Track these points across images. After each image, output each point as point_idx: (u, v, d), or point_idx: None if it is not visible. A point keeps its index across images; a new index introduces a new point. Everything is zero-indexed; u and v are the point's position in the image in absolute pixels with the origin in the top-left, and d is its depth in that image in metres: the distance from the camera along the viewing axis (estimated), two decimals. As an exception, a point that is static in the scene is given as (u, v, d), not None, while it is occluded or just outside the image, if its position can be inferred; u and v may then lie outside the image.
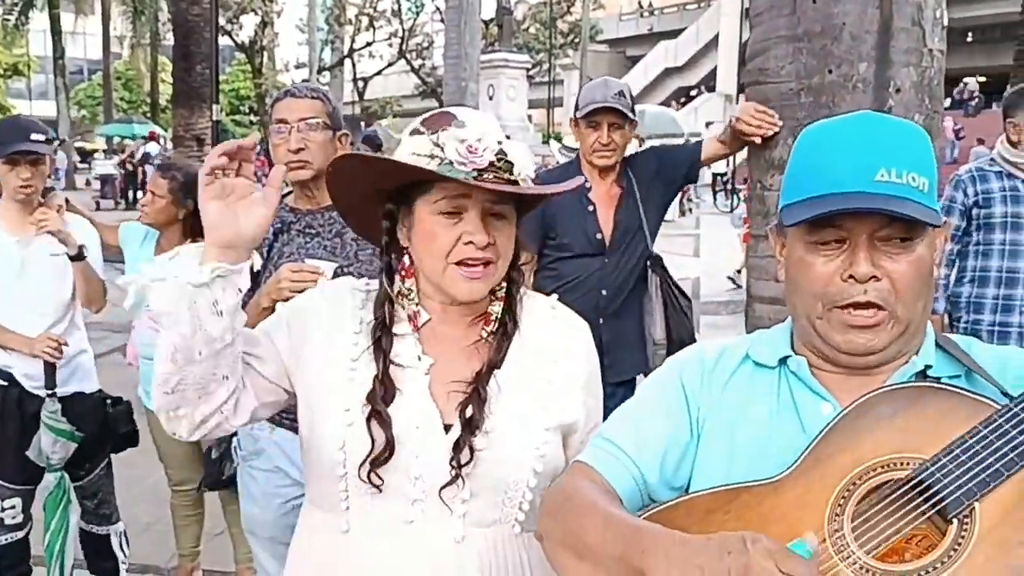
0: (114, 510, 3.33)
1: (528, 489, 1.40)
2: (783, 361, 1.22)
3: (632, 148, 3.31)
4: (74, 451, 3.04)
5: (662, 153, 3.33)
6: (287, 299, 2.29)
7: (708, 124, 35.64)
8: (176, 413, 1.36)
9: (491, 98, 19.09)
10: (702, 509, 1.11)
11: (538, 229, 3.01)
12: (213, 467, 3.20)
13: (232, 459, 3.10)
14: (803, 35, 2.40)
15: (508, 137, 1.43)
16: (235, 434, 3.17)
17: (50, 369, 2.93)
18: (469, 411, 1.38)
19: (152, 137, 15.69)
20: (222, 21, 13.61)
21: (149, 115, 30.00)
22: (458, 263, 1.38)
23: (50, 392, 2.95)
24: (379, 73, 31.69)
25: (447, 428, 1.39)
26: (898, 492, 1.01)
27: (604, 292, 3.04)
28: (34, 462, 3.02)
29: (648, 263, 3.12)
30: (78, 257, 2.99)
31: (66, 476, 3.05)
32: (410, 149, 1.39)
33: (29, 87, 43.71)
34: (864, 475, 1.03)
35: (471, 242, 1.37)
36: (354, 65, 29.71)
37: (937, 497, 0.98)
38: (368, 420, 1.38)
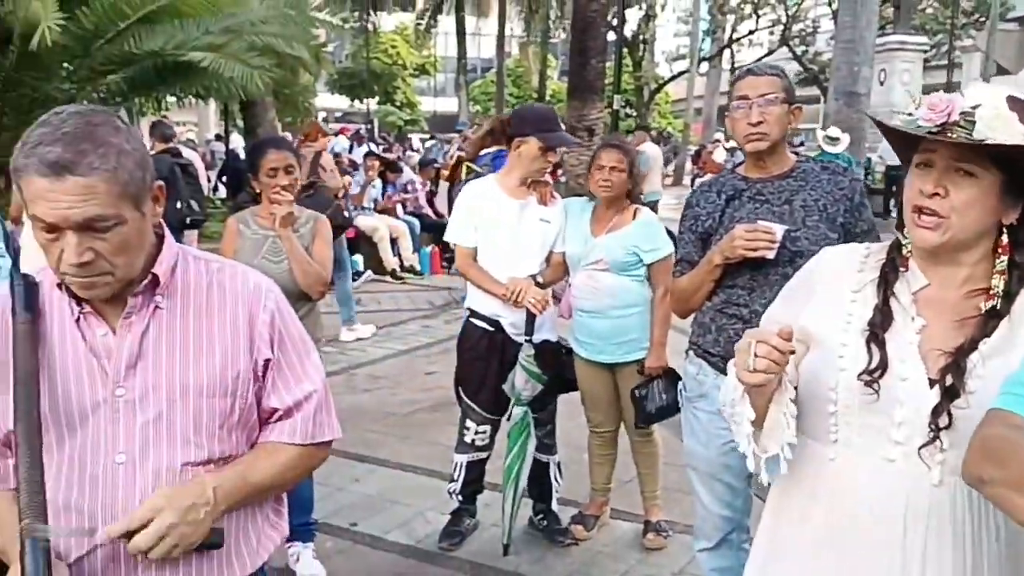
0: (554, 442, 3.83)
1: None
2: None
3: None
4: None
5: None
6: (738, 257, 2.53)
7: None
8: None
9: (882, 83, 17.93)
10: None
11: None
12: (639, 406, 3.61)
13: (657, 397, 3.49)
14: None
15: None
16: (659, 376, 3.53)
17: (531, 319, 3.47)
18: (949, 380, 1.50)
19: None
20: (610, 15, 14.17)
21: (536, 108, 32.18)
22: (915, 211, 1.53)
23: (528, 339, 3.48)
24: (758, 61, 30.90)
25: (931, 383, 1.52)
26: None
27: None
28: (504, 396, 3.58)
29: None
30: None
31: (529, 411, 3.58)
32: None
33: (433, 85, 49.10)
34: None
35: (921, 190, 1.51)
36: (732, 55, 29.51)
37: None
38: (867, 342, 1.56)
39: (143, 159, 1.41)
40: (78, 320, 1.46)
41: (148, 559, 1.40)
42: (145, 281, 1.46)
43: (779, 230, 2.50)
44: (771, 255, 2.50)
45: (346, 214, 7.64)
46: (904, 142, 1.57)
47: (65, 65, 8.38)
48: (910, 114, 1.53)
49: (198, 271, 1.54)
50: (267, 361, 1.54)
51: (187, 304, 1.50)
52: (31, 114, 8.08)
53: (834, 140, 9.56)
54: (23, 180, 1.33)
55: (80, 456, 1.44)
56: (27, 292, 1.44)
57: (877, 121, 1.67)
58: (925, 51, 19.37)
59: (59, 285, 1.46)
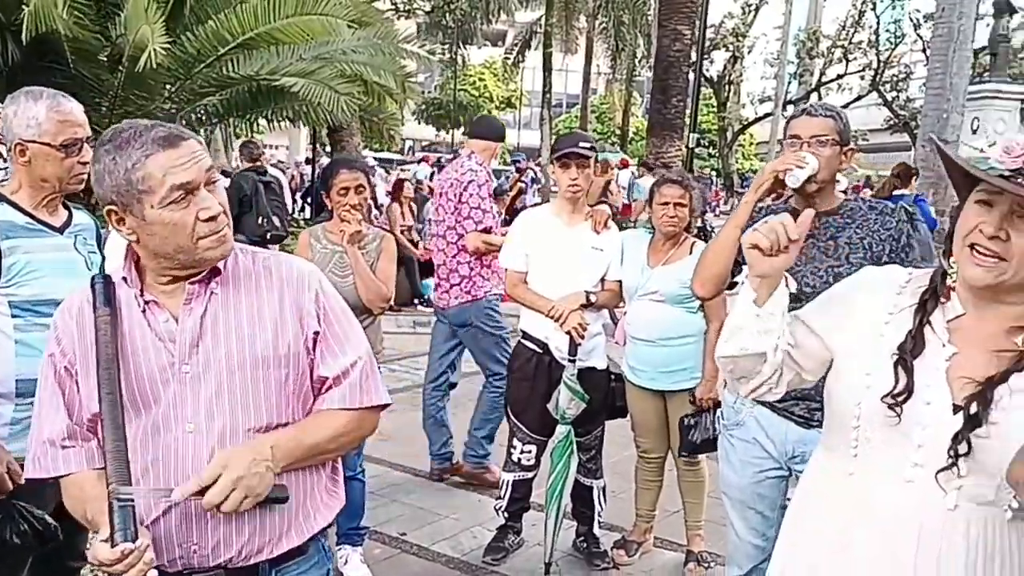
0: (599, 467, 3.89)
1: None
2: None
3: None
4: (581, 413, 3.63)
5: None
6: (768, 179, 2.57)
7: None
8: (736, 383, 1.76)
9: (974, 132, 17.47)
10: None
11: None
12: (686, 434, 3.65)
13: (704, 429, 3.52)
14: None
15: None
16: (714, 407, 3.57)
17: (573, 341, 3.56)
18: (973, 408, 1.52)
19: (624, 164, 17.05)
20: (694, 56, 14.25)
21: (618, 145, 32.43)
22: (970, 247, 1.54)
23: (571, 359, 3.58)
24: (846, 106, 30.62)
25: (955, 410, 1.54)
26: None
27: None
28: (550, 418, 3.67)
29: None
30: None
31: (572, 431, 3.66)
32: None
33: (518, 119, 49.73)
34: None
35: (980, 229, 1.52)
36: (820, 98, 29.22)
37: None
38: (895, 366, 1.60)
39: None
40: (143, 311, 1.66)
41: (219, 514, 1.55)
42: (203, 272, 1.65)
43: (813, 161, 2.54)
44: (803, 174, 2.53)
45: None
46: (967, 177, 1.58)
47: (167, 86, 8.86)
48: (982, 150, 1.55)
49: (245, 261, 1.74)
50: (316, 334, 1.70)
51: (239, 288, 1.69)
52: (133, 130, 8.59)
53: None
54: (144, 165, 1.54)
55: (155, 427, 1.63)
56: (106, 288, 1.66)
57: (943, 152, 1.64)
58: (1023, 100, 18.78)
59: (124, 280, 1.67)
